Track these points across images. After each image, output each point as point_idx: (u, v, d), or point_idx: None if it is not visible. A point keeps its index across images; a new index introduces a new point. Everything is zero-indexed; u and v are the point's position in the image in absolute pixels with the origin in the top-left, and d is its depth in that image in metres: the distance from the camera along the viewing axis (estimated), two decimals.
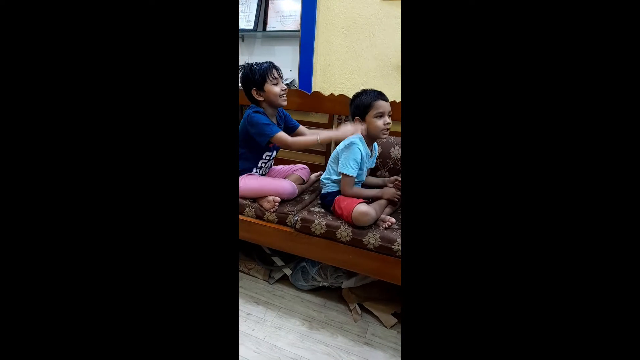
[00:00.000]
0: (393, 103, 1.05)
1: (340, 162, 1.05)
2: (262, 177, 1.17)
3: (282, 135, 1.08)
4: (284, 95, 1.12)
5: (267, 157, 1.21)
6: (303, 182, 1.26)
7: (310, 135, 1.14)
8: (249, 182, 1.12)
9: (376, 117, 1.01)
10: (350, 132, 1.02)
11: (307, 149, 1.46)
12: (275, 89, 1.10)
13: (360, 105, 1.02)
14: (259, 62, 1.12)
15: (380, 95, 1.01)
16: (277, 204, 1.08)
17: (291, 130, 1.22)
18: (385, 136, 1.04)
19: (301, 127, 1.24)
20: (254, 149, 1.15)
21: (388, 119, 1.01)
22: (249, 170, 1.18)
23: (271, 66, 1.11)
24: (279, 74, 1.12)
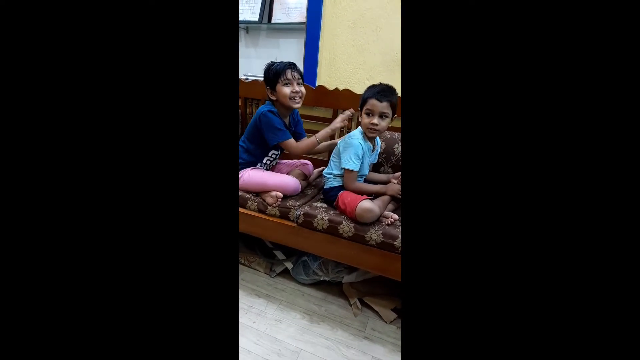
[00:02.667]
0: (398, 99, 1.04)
1: (342, 157, 1.05)
2: (266, 172, 1.17)
3: (291, 142, 1.10)
4: (296, 98, 1.09)
5: (274, 156, 1.21)
6: (305, 177, 1.26)
7: (309, 139, 1.13)
8: (253, 175, 1.12)
9: (366, 113, 1.01)
10: (340, 121, 1.06)
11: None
12: (285, 89, 1.08)
13: (362, 98, 1.04)
14: (283, 61, 1.10)
15: (379, 94, 0.99)
16: (279, 199, 1.09)
17: (297, 138, 1.20)
18: (372, 135, 1.03)
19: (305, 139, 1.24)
20: (261, 146, 1.15)
21: (375, 119, 0.99)
22: (253, 164, 1.18)
23: (286, 67, 1.08)
24: (294, 75, 1.09)
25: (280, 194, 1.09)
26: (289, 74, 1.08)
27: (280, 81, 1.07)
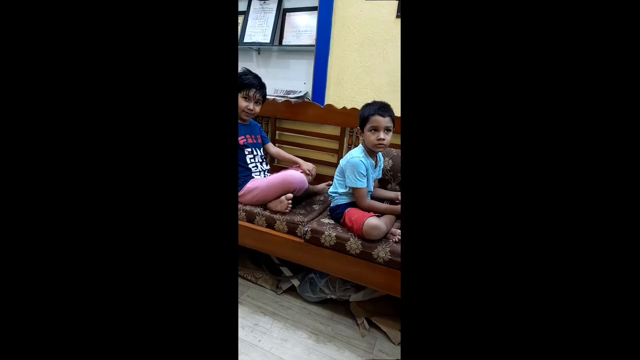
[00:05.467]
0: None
1: (347, 177, 1.05)
2: (269, 176, 1.19)
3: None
4: (249, 114, 1.18)
5: (251, 156, 1.22)
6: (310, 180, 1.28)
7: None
8: (256, 184, 1.13)
9: (370, 130, 1.02)
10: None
11: (318, 160, 1.50)
12: (242, 103, 1.14)
13: (361, 117, 1.05)
14: (256, 74, 1.17)
15: (380, 110, 1.00)
16: (290, 201, 1.08)
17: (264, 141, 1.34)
18: (379, 150, 1.05)
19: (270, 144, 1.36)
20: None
21: (382, 134, 1.00)
22: (249, 177, 1.19)
23: (252, 84, 1.14)
24: (255, 95, 1.15)
25: (290, 195, 1.08)
26: (251, 92, 1.15)
27: (240, 92, 1.14)
